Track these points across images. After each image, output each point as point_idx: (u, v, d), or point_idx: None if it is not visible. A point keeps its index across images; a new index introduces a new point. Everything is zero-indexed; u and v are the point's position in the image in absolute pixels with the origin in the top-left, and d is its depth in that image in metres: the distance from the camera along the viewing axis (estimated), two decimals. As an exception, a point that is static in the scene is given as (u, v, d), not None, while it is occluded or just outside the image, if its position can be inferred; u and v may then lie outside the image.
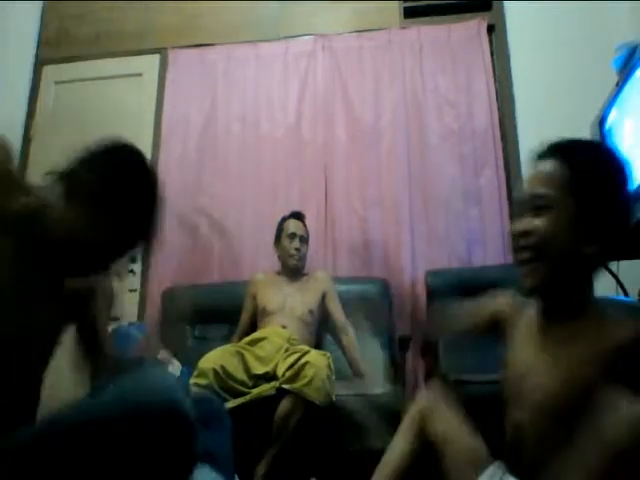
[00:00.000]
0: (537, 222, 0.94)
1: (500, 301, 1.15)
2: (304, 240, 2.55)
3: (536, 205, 0.95)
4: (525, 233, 0.95)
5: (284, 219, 2.60)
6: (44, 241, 0.98)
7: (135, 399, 0.82)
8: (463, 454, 1.00)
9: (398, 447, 1.11)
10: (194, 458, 0.89)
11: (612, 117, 2.13)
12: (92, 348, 1.17)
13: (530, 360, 0.98)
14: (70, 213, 0.99)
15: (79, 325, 1.17)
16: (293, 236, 2.51)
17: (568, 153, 0.97)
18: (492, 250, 2.69)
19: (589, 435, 0.80)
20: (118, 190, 1.02)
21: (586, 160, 0.96)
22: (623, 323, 0.92)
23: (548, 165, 0.96)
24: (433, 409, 1.08)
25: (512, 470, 0.98)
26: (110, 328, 2.14)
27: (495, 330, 1.11)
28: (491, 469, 0.98)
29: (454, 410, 1.08)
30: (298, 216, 2.60)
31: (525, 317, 1.06)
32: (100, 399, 0.84)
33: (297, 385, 1.87)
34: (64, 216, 0.99)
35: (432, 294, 2.55)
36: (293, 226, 2.54)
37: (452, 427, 1.04)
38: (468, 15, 3.04)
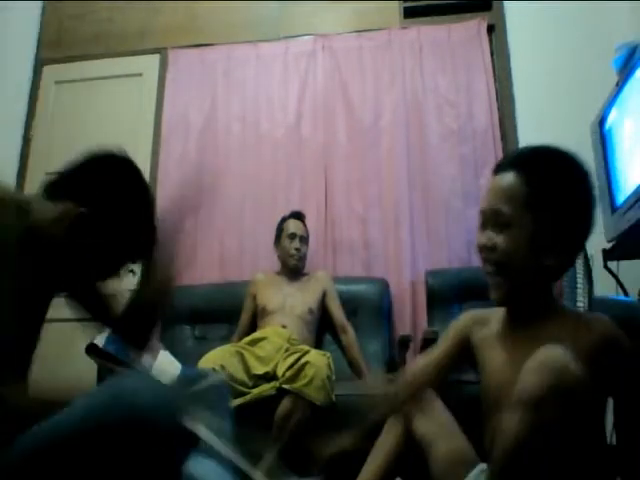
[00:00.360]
0: (498, 239, 0.97)
1: (460, 322, 1.16)
2: (304, 240, 2.55)
3: (497, 221, 0.98)
4: (488, 248, 0.99)
5: (284, 219, 2.61)
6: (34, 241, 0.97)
7: (102, 411, 0.78)
8: (448, 454, 1.00)
9: (383, 446, 1.10)
10: (174, 466, 0.84)
11: (612, 117, 2.13)
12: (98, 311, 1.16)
13: (504, 367, 1.00)
14: (58, 206, 0.99)
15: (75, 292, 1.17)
16: (293, 236, 2.52)
17: (526, 167, 0.98)
18: (492, 250, 2.69)
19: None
20: (109, 195, 1.03)
21: (544, 174, 0.98)
22: (590, 324, 0.95)
23: (507, 179, 0.98)
24: (418, 408, 1.07)
25: None
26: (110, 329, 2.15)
27: (467, 352, 1.11)
28: (477, 470, 0.97)
29: (439, 409, 1.07)
30: (298, 216, 2.60)
31: (491, 327, 1.08)
32: (67, 413, 0.81)
33: (297, 385, 1.88)
34: (51, 212, 0.98)
35: (432, 294, 2.55)
36: (293, 226, 2.54)
37: (436, 427, 1.04)
38: (468, 15, 3.04)
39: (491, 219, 1.00)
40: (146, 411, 0.77)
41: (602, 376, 0.89)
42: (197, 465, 1.01)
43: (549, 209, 0.95)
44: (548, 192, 0.96)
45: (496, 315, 1.09)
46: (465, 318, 1.15)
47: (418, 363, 1.21)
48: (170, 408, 0.81)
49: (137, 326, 1.20)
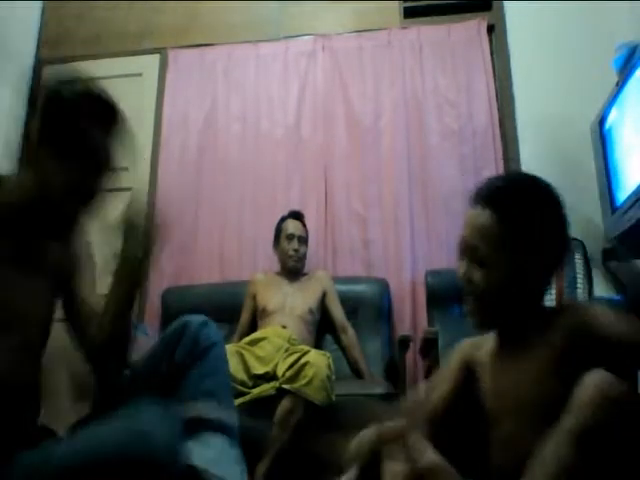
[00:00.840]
0: (475, 275, 0.99)
1: (458, 351, 1.16)
2: (303, 240, 2.55)
3: (474, 256, 0.99)
4: (466, 280, 1.01)
5: (282, 219, 2.60)
6: (10, 213, 0.99)
7: (116, 447, 0.79)
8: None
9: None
10: None
11: (612, 117, 2.13)
12: (84, 332, 1.13)
13: (499, 383, 1.01)
14: (23, 173, 1.02)
15: (66, 302, 1.15)
16: (291, 237, 2.51)
17: (498, 205, 1.00)
18: (492, 250, 2.69)
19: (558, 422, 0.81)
20: (55, 123, 1.03)
21: (516, 211, 0.99)
22: (572, 311, 0.97)
23: (482, 218, 0.99)
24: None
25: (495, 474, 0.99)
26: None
27: (471, 381, 1.10)
28: None
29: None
30: (296, 216, 2.60)
31: (485, 349, 1.09)
32: (81, 444, 0.82)
33: (297, 385, 1.87)
34: (19, 180, 1.01)
35: (432, 294, 2.55)
36: (291, 227, 2.54)
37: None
38: (468, 15, 3.04)
39: (468, 252, 1.01)
40: (160, 454, 0.79)
41: (585, 361, 0.88)
42: (203, 452, 1.02)
43: (524, 246, 0.97)
44: (522, 229, 0.98)
45: (489, 337, 1.10)
46: (462, 346, 1.16)
47: (425, 397, 1.18)
48: (180, 450, 0.84)
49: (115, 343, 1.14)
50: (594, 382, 0.79)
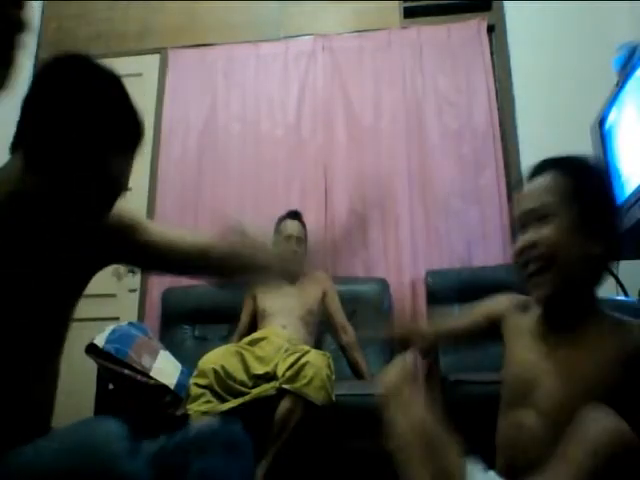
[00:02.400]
0: (538, 234, 0.95)
1: (498, 301, 1.15)
2: (301, 241, 2.54)
3: (538, 215, 0.97)
4: (531, 245, 0.97)
5: (280, 220, 2.59)
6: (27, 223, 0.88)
7: (71, 456, 0.77)
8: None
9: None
10: None
11: (612, 117, 2.13)
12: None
13: (538, 363, 0.97)
14: (28, 176, 0.85)
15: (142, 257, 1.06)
16: (289, 238, 2.50)
17: (562, 165, 1.00)
18: (492, 250, 2.69)
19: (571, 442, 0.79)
20: (57, 118, 0.85)
21: (580, 168, 1.00)
22: (633, 329, 0.93)
23: (544, 178, 0.99)
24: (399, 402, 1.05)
25: (500, 468, 0.97)
26: (110, 329, 2.15)
27: (495, 331, 1.10)
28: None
29: (420, 404, 1.04)
30: (294, 215, 2.58)
31: (527, 318, 1.06)
32: (37, 454, 0.79)
33: (297, 385, 1.87)
34: (26, 183, 0.86)
35: (432, 294, 2.55)
36: (289, 227, 2.52)
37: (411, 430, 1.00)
38: (468, 15, 3.05)
39: (528, 218, 0.98)
40: (117, 461, 0.76)
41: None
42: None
43: (589, 197, 0.95)
44: (586, 182, 0.97)
45: (534, 307, 1.06)
46: (504, 300, 1.13)
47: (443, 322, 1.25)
48: (140, 457, 0.80)
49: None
50: (613, 424, 0.78)
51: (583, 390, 0.89)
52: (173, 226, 1.12)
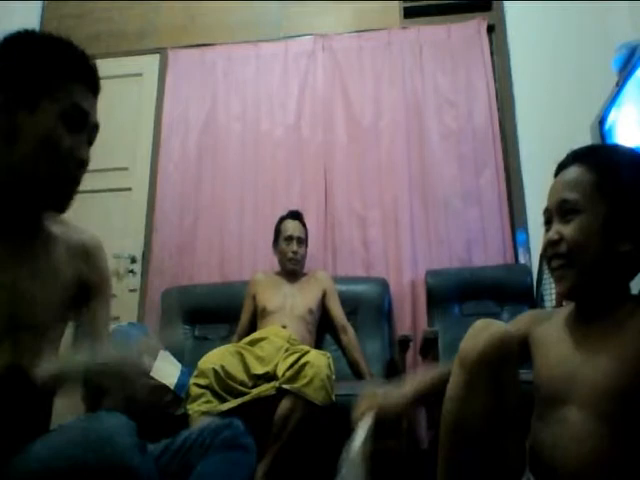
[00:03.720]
0: (567, 229, 0.94)
1: (519, 321, 1.12)
2: (302, 241, 2.54)
3: (565, 210, 0.95)
4: (556, 241, 0.95)
5: (281, 220, 2.60)
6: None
7: (73, 453, 0.75)
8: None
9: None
10: None
11: (612, 117, 2.13)
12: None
13: (572, 358, 0.95)
14: None
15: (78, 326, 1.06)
16: (290, 239, 2.51)
17: (590, 157, 0.97)
18: (492, 250, 2.69)
19: None
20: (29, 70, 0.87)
21: (609, 161, 0.97)
22: None
23: (572, 172, 0.97)
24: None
25: (536, 469, 0.95)
26: (110, 329, 2.15)
27: (525, 351, 1.06)
28: None
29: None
30: (295, 216, 2.59)
31: (554, 322, 1.04)
32: (39, 450, 0.78)
33: (297, 385, 1.87)
34: None
35: (432, 294, 2.55)
36: (290, 228, 2.53)
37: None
38: (468, 15, 3.05)
39: (556, 212, 0.96)
40: (120, 460, 0.75)
41: None
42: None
43: (619, 192, 0.92)
44: (616, 176, 0.94)
45: (560, 312, 1.05)
46: (524, 317, 1.12)
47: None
48: (142, 453, 0.79)
49: None
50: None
51: (621, 375, 0.86)
52: None
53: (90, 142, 0.96)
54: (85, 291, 1.02)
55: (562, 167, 1.00)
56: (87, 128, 0.94)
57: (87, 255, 1.02)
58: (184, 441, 1.05)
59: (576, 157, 0.99)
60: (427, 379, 1.15)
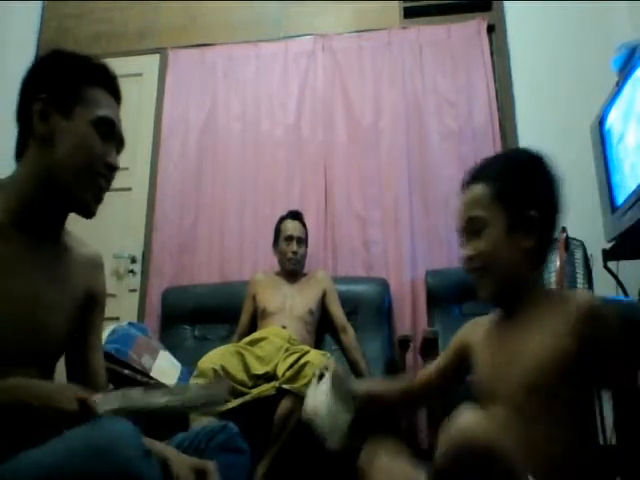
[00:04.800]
0: (480, 244, 1.01)
1: (463, 328, 1.18)
2: (302, 241, 2.54)
3: (473, 227, 1.02)
4: (471, 257, 1.03)
5: (281, 220, 2.60)
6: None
7: (81, 459, 0.74)
8: None
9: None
10: None
11: (612, 117, 2.13)
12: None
13: (495, 357, 1.02)
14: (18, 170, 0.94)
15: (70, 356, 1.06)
16: (290, 239, 2.51)
17: (484, 172, 1.06)
18: (492, 250, 2.69)
19: None
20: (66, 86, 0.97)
21: (499, 170, 1.05)
22: (572, 299, 0.96)
23: (472, 190, 1.04)
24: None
25: None
26: (110, 329, 2.15)
27: (467, 362, 1.12)
28: None
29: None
30: (295, 216, 2.59)
31: (485, 327, 1.10)
32: (42, 458, 0.76)
33: (297, 385, 1.88)
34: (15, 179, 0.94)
35: (432, 294, 2.55)
36: (290, 228, 2.53)
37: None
38: (468, 15, 3.05)
39: (467, 231, 1.04)
40: (132, 462, 0.75)
41: (588, 349, 0.90)
42: None
43: (510, 195, 1.00)
44: (505, 182, 1.01)
45: (493, 316, 1.11)
46: (466, 325, 1.18)
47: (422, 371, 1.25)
48: (148, 459, 0.78)
49: None
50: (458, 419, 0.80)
51: (536, 369, 0.92)
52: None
53: (118, 152, 1.03)
54: (90, 302, 1.06)
55: (463, 187, 1.07)
56: (116, 137, 1.03)
57: (93, 268, 1.08)
58: (179, 445, 1.06)
59: (473, 175, 1.07)
60: (383, 384, 1.28)
